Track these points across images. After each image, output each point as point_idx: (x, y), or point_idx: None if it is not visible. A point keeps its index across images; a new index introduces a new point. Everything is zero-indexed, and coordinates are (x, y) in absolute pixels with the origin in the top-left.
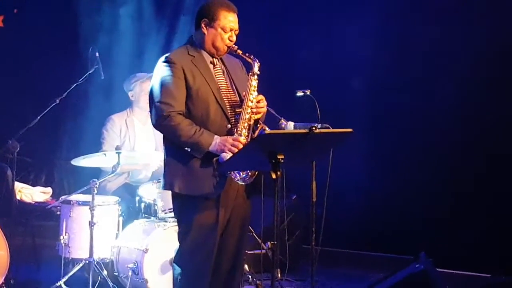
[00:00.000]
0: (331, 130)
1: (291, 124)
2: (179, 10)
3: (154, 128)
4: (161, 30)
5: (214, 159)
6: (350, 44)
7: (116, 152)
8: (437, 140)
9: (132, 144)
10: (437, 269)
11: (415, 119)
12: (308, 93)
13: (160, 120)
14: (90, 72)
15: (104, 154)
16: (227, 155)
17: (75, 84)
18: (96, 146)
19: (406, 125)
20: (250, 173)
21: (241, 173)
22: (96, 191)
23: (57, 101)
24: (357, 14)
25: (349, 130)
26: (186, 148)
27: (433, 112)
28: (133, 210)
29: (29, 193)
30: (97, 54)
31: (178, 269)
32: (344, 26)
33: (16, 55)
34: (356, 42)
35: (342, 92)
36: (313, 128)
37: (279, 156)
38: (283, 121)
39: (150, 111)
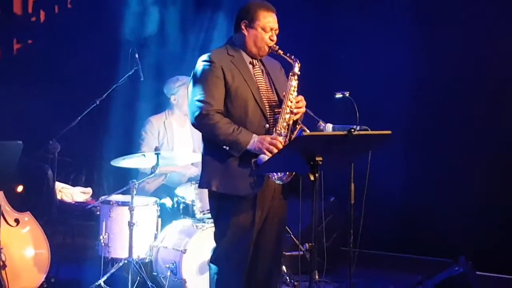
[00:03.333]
0: (369, 132)
1: (329, 126)
2: (218, 8)
3: (192, 130)
4: (201, 30)
5: (253, 160)
6: (390, 45)
7: (155, 153)
8: (477, 142)
9: (170, 146)
10: (477, 272)
11: (454, 121)
12: (347, 95)
13: (199, 119)
14: (130, 73)
15: (143, 155)
16: (266, 157)
17: (114, 85)
18: (135, 147)
19: (445, 127)
20: (287, 173)
21: (278, 173)
22: (135, 192)
23: (97, 102)
24: (396, 15)
25: (388, 132)
26: (224, 147)
27: (474, 114)
28: (171, 210)
29: (69, 193)
30: (136, 55)
31: (214, 269)
32: (383, 26)
33: (56, 55)
34: (395, 43)
35: (381, 94)
36: (352, 130)
37: (317, 158)
38: (321, 123)
39: (189, 108)
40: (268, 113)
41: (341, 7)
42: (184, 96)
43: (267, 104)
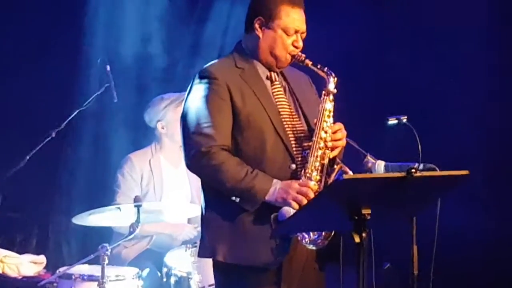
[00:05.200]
0: (438, 172)
1: (381, 164)
2: None
3: (189, 172)
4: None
5: (273, 215)
6: (463, 53)
7: (135, 206)
8: None
9: (157, 195)
10: None
11: None
12: (404, 120)
13: (197, 159)
14: (99, 93)
15: (118, 208)
16: (291, 210)
17: (77, 111)
18: (107, 197)
19: None
20: (324, 234)
21: (311, 234)
22: (107, 261)
23: (53, 135)
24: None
25: (465, 172)
26: (233, 198)
27: None
28: (159, 286)
29: (14, 263)
30: (108, 68)
31: None
32: (455, 24)
33: None
34: (471, 50)
35: (451, 119)
36: (413, 170)
37: (364, 211)
38: (369, 159)
39: (183, 145)
40: (295, 149)
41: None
42: (177, 120)
43: (292, 135)
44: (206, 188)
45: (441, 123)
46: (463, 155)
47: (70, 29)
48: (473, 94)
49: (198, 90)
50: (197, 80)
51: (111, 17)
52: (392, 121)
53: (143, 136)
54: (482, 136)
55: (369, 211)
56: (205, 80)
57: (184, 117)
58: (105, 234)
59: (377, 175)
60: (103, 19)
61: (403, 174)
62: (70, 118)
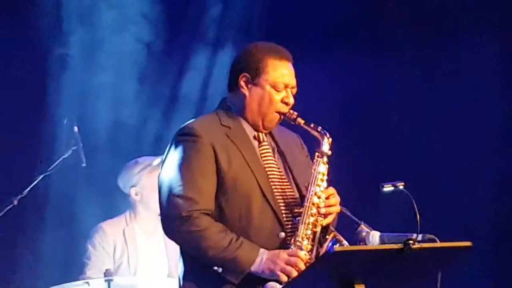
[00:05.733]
0: (439, 244)
1: (376, 235)
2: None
3: (167, 242)
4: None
5: None
6: (469, 111)
7: (106, 280)
8: None
9: (132, 268)
10: None
11: None
12: (401, 187)
13: (176, 224)
14: (65, 157)
15: (87, 283)
16: (277, 285)
17: (41, 176)
18: (75, 270)
19: None
20: None
21: None
22: None
23: (15, 202)
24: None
25: (467, 244)
26: (216, 268)
27: None
28: None
29: None
30: (76, 128)
31: None
32: (462, 79)
33: None
34: (479, 109)
35: (452, 186)
36: (411, 241)
37: (357, 287)
38: (363, 228)
39: (161, 209)
40: (284, 215)
41: (395, 52)
42: (151, 186)
43: (281, 200)
44: (185, 256)
45: (442, 190)
46: (466, 225)
47: (32, 85)
48: (477, 157)
49: (179, 148)
50: (178, 138)
51: (79, 72)
52: (388, 188)
53: (116, 204)
54: (488, 204)
55: (363, 287)
56: (188, 138)
57: (162, 179)
58: None
59: (372, 247)
60: (71, 74)
61: (400, 245)
62: (33, 184)
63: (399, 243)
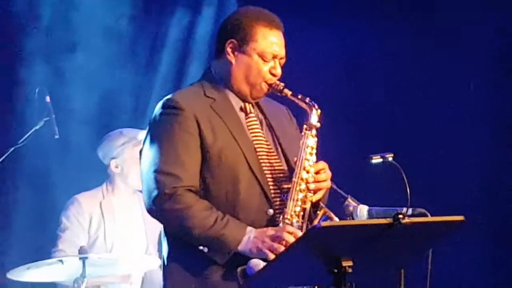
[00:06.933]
0: (429, 218)
1: (363, 209)
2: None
3: (146, 217)
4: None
5: (239, 269)
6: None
7: (80, 258)
8: None
9: (108, 244)
10: None
11: None
12: (390, 159)
13: (159, 202)
14: (37, 128)
15: (61, 260)
16: (260, 262)
17: (12, 148)
18: (48, 246)
19: None
20: None
21: None
22: None
23: None
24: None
25: (459, 218)
26: (201, 247)
27: None
28: None
29: None
30: (48, 99)
31: None
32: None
33: None
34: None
35: (443, 159)
36: (400, 215)
37: (344, 263)
38: (350, 202)
39: (143, 186)
40: (272, 191)
41: (390, 19)
42: (132, 160)
43: (270, 175)
44: (168, 235)
45: (433, 162)
46: (458, 198)
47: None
48: (470, 130)
49: (162, 122)
50: (160, 111)
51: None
52: (376, 160)
53: (94, 178)
54: (480, 177)
55: (350, 263)
56: (170, 111)
57: (144, 154)
58: None
59: (360, 221)
60: (43, 37)
61: (389, 220)
62: (4, 157)
63: (388, 217)
